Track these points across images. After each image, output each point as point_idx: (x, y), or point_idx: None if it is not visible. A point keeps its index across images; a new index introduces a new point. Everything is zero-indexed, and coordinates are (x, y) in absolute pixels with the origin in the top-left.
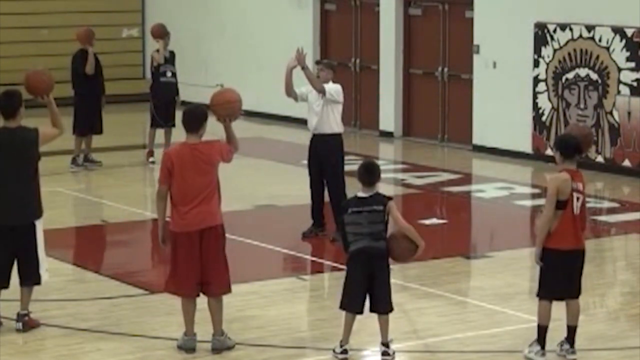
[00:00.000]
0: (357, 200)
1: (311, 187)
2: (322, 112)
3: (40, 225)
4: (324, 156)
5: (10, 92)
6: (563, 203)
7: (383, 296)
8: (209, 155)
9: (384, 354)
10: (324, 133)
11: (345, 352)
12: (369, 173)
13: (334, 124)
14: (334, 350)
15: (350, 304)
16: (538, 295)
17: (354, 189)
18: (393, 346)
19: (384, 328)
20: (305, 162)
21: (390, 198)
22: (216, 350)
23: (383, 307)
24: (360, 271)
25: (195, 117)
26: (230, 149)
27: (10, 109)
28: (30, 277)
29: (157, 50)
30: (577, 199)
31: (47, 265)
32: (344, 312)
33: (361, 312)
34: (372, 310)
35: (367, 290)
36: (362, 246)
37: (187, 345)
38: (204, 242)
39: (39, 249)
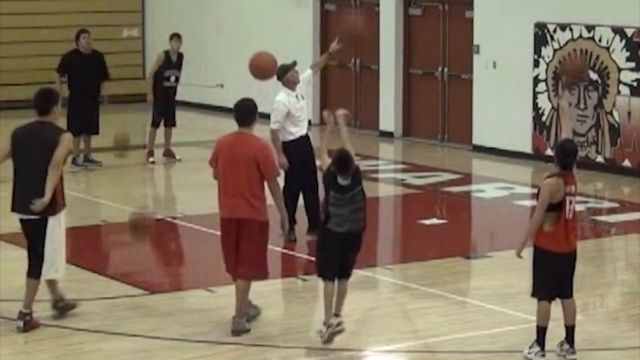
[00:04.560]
0: (339, 188)
1: (296, 189)
2: (305, 113)
3: (55, 223)
4: (311, 155)
5: (47, 90)
6: (555, 206)
7: (350, 265)
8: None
9: (339, 324)
10: (306, 133)
11: (330, 325)
12: (345, 164)
13: None
14: (322, 338)
15: (328, 273)
16: (532, 295)
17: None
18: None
19: (342, 299)
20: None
21: (358, 168)
22: (235, 332)
23: (348, 273)
24: (338, 247)
25: (249, 111)
26: (275, 176)
27: (45, 105)
28: (32, 270)
29: (166, 52)
30: (570, 202)
31: (58, 265)
32: (321, 286)
33: (334, 281)
34: (340, 276)
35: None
36: (342, 231)
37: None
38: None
39: (46, 245)
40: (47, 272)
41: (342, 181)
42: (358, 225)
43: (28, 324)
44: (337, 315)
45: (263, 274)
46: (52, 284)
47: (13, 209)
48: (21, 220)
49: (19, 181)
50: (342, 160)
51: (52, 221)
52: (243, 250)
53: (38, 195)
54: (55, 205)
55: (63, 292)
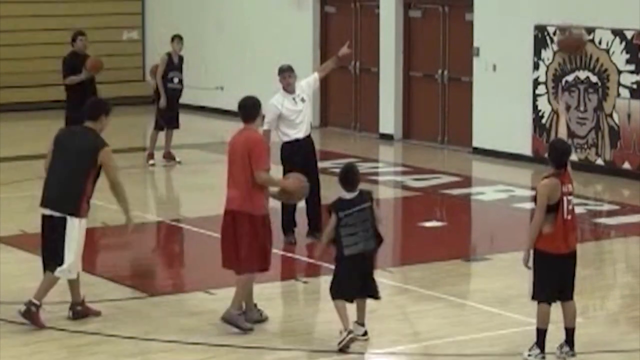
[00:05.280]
0: (345, 202)
1: None
2: (308, 114)
3: (75, 225)
4: (314, 156)
5: (100, 99)
6: (553, 206)
7: (374, 285)
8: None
9: (365, 334)
10: (309, 133)
11: (351, 332)
12: (352, 179)
13: None
14: (339, 344)
15: (344, 293)
16: (533, 297)
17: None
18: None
19: (364, 310)
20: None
21: (370, 192)
22: (224, 319)
23: (376, 292)
24: (354, 271)
25: (249, 106)
26: (260, 167)
27: (94, 112)
28: (49, 264)
29: (168, 54)
30: (568, 201)
31: (72, 267)
32: (335, 306)
33: (352, 301)
34: (370, 297)
35: (360, 281)
36: (357, 252)
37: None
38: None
39: (65, 245)
40: (61, 271)
41: (347, 195)
42: (370, 245)
43: (29, 312)
44: (362, 324)
45: (251, 269)
46: (72, 285)
47: (40, 204)
48: (43, 216)
49: (50, 177)
50: (346, 172)
51: (71, 222)
52: (238, 244)
53: (63, 195)
54: (78, 208)
55: (83, 297)
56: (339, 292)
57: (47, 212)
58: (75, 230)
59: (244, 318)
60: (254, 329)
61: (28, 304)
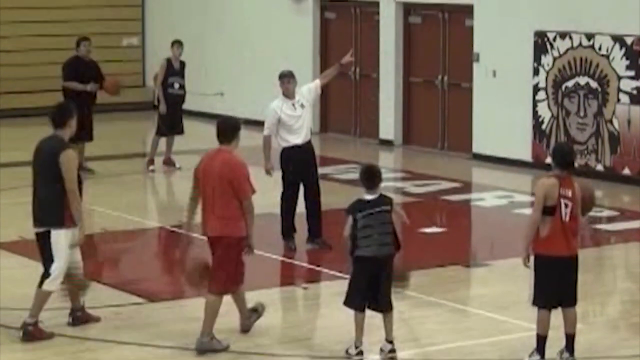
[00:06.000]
0: (365, 204)
1: (292, 197)
2: (307, 120)
3: (59, 236)
4: (314, 162)
5: (63, 104)
6: (551, 209)
7: (386, 296)
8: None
9: (391, 351)
10: (309, 139)
11: (361, 353)
12: (373, 177)
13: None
14: (346, 351)
15: (355, 302)
16: (533, 303)
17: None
18: (394, 354)
19: (390, 326)
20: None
21: (391, 198)
22: (199, 351)
23: (386, 306)
24: (366, 275)
25: (229, 128)
26: (247, 196)
27: (60, 118)
28: (41, 278)
29: (168, 59)
30: (566, 205)
31: (58, 270)
32: (353, 315)
33: (364, 311)
34: (376, 309)
35: (370, 290)
36: (370, 255)
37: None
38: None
39: (55, 256)
40: (50, 283)
41: (367, 196)
42: (384, 250)
43: (28, 334)
44: (389, 341)
45: (222, 291)
46: (72, 291)
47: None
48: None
49: (33, 194)
50: (367, 170)
51: (56, 234)
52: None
53: (42, 208)
54: (60, 219)
55: (83, 303)
56: (348, 298)
57: (35, 229)
58: (61, 241)
59: (240, 323)
60: (230, 345)
61: (23, 325)
